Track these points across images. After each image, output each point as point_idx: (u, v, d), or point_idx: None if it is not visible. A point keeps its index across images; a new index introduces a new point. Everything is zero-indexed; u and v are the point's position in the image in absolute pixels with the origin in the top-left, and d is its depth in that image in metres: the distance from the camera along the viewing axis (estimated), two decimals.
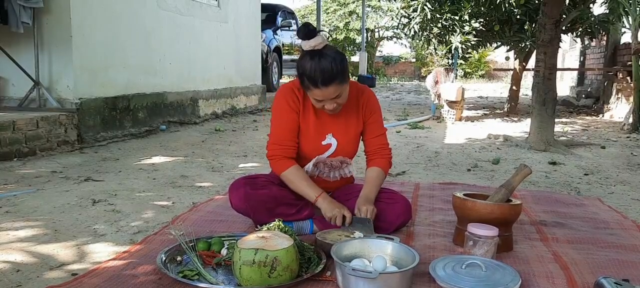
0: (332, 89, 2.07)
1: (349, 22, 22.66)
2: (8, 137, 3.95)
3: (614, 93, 8.38)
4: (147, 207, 2.82)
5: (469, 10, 7.55)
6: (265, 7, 9.84)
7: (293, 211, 2.28)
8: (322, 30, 2.12)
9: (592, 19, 7.45)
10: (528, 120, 6.01)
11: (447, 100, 7.56)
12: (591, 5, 7.38)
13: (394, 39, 23.66)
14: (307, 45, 2.07)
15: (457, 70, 8.93)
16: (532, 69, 5.88)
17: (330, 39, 21.63)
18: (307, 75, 2.07)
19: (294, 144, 2.26)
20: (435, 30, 7.93)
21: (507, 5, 7.39)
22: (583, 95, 10.28)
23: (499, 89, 15.84)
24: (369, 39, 22.86)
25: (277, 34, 10.75)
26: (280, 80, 11.08)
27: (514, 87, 8.92)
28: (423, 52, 21.11)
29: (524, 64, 8.71)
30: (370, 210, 2.16)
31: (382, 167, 2.33)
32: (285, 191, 2.28)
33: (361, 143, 2.43)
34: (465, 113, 8.08)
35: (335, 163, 2.31)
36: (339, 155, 2.31)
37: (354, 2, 22.69)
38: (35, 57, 4.59)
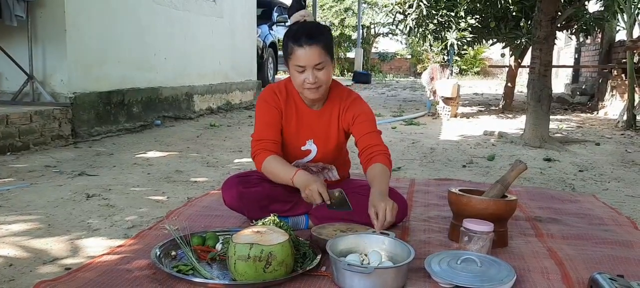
0: (316, 51, 1.97)
1: (345, 18, 22.63)
2: (1, 131, 3.92)
3: (608, 90, 8.41)
4: (141, 202, 2.81)
5: (465, 7, 7.56)
6: (260, 3, 9.80)
7: (287, 208, 2.25)
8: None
9: (588, 16, 7.46)
10: (523, 117, 6.02)
11: (442, 96, 7.57)
12: (586, 3, 7.39)
13: (390, 36, 23.69)
14: (298, 15, 2.11)
15: (452, 66, 8.94)
16: (528, 66, 5.89)
17: None
18: (291, 36, 2.01)
19: (277, 138, 2.14)
20: (431, 26, 7.93)
21: (503, 1, 7.40)
22: (578, 93, 10.32)
23: (494, 86, 15.89)
24: (365, 35, 22.87)
25: (272, 30, 10.70)
26: (276, 76, 11.05)
27: (509, 84, 8.94)
28: (418, 49, 21.13)
29: (519, 60, 8.73)
30: (389, 207, 1.86)
31: (383, 162, 2.06)
32: (279, 188, 2.22)
33: (347, 150, 2.40)
34: (461, 110, 8.10)
35: (315, 169, 2.26)
36: (319, 161, 2.25)
37: None
38: (29, 50, 4.55)
